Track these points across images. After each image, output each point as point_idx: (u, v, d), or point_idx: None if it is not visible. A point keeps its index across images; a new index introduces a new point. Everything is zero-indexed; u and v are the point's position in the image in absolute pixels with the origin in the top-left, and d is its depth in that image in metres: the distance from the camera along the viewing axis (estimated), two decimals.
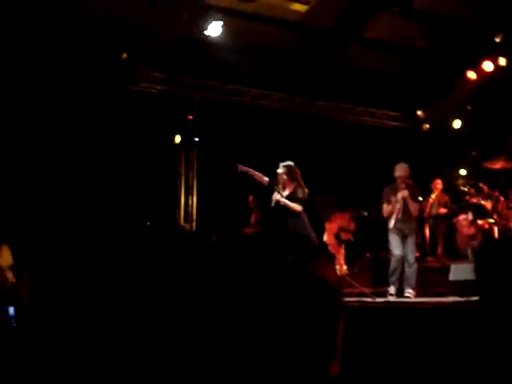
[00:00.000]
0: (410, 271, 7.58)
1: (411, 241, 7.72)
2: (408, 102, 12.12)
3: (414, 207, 7.58)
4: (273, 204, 7.01)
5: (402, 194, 7.50)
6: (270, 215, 7.36)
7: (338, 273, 6.43)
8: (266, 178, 7.37)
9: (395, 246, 7.67)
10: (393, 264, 7.63)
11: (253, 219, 8.91)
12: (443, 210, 9.51)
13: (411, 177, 9.32)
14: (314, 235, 6.91)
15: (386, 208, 7.74)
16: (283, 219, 6.93)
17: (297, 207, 6.90)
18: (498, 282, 3.75)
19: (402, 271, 7.63)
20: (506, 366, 2.98)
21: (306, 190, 7.02)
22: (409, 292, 7.39)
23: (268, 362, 0.84)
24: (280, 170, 7.13)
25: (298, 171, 7.14)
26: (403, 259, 7.60)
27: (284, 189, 7.12)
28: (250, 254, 0.88)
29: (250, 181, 7.85)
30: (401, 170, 7.67)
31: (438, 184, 9.76)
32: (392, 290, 7.53)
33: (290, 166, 7.13)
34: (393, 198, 7.69)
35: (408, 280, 7.56)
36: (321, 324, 0.87)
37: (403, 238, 7.70)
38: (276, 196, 6.93)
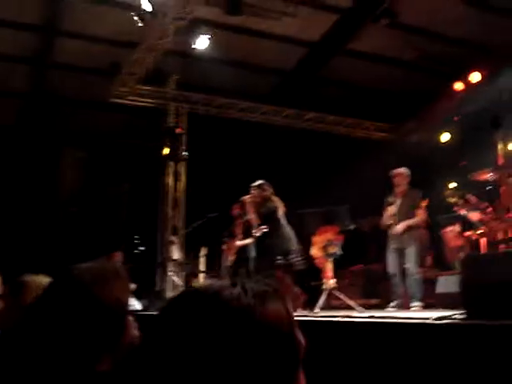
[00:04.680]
0: (410, 282, 7.23)
1: (410, 251, 7.33)
2: (395, 113, 12.14)
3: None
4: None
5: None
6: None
7: (325, 286, 6.38)
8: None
9: (390, 263, 7.39)
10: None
11: (237, 230, 8.83)
12: None
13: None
14: (296, 248, 6.94)
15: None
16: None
17: (253, 219, 7.15)
18: (483, 295, 3.72)
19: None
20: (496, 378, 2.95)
21: (274, 205, 7.12)
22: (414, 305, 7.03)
23: None
24: (253, 192, 7.27)
25: (267, 188, 7.28)
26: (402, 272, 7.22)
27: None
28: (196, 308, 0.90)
29: (238, 193, 7.91)
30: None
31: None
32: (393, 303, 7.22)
33: (260, 184, 7.27)
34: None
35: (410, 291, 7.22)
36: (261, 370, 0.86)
37: (402, 250, 7.37)
38: (245, 197, 7.20)
